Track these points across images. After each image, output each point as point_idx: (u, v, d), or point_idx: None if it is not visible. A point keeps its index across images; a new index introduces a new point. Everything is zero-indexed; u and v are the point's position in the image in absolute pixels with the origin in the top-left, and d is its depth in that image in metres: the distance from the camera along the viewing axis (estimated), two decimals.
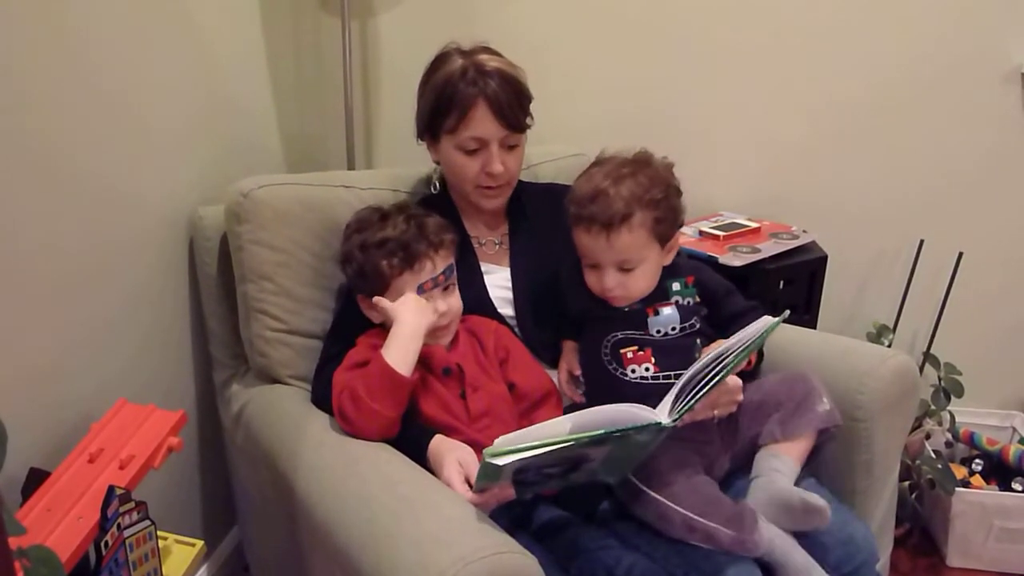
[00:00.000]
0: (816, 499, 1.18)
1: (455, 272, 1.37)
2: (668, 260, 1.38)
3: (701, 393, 1.10)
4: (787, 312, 1.22)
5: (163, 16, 1.47)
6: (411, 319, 1.26)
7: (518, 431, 1.05)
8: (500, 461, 1.00)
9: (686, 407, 1.09)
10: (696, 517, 1.17)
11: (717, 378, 1.11)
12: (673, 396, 1.11)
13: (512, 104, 1.43)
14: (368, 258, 1.32)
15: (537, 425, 1.06)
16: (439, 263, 1.32)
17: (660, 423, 1.08)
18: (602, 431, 1.04)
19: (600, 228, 1.29)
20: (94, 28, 1.28)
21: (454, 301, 1.36)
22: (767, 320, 1.18)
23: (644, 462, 1.21)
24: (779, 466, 1.27)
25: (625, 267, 1.33)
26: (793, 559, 1.17)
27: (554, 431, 1.04)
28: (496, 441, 1.03)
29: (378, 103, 2.24)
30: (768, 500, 1.21)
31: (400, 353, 1.23)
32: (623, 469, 1.21)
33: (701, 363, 1.13)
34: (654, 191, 1.30)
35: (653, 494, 1.20)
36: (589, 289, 1.38)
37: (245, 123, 1.82)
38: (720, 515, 1.17)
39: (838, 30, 2.04)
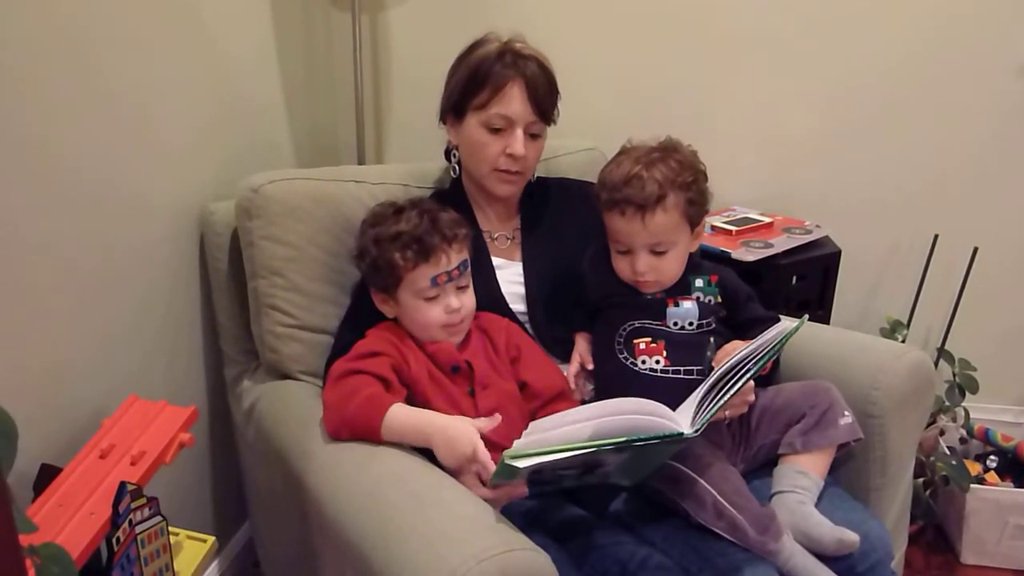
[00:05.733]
0: (849, 536, 1.18)
1: (469, 269, 1.36)
2: (695, 246, 1.41)
3: (722, 402, 1.09)
4: (806, 317, 1.22)
5: (172, 14, 1.46)
6: (444, 446, 1.17)
7: (538, 434, 1.04)
8: (520, 464, 0.99)
9: (708, 417, 1.08)
10: (726, 504, 1.17)
11: (738, 386, 1.10)
12: (695, 406, 1.10)
13: (546, 92, 1.45)
14: (382, 252, 1.32)
15: (557, 429, 1.05)
16: (453, 257, 1.32)
17: (682, 434, 1.07)
18: (623, 439, 1.03)
19: (636, 210, 1.31)
20: (104, 29, 1.27)
21: (467, 299, 1.36)
22: (786, 325, 1.18)
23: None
24: (805, 483, 1.26)
25: (658, 250, 1.35)
26: None
27: (574, 436, 1.04)
28: (516, 443, 1.03)
29: (388, 98, 2.23)
30: (794, 526, 1.20)
31: (402, 431, 1.19)
32: (638, 474, 1.21)
33: (721, 371, 1.12)
34: (685, 174, 1.33)
35: (690, 472, 1.20)
36: (615, 276, 1.40)
37: (256, 119, 1.82)
38: (749, 511, 1.17)
39: (850, 23, 2.02)
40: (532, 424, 1.12)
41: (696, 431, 1.07)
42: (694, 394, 1.13)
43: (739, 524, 1.16)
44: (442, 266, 1.30)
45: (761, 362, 1.12)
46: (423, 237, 1.30)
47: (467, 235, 1.36)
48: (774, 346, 1.14)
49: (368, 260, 1.35)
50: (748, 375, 1.11)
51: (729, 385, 1.10)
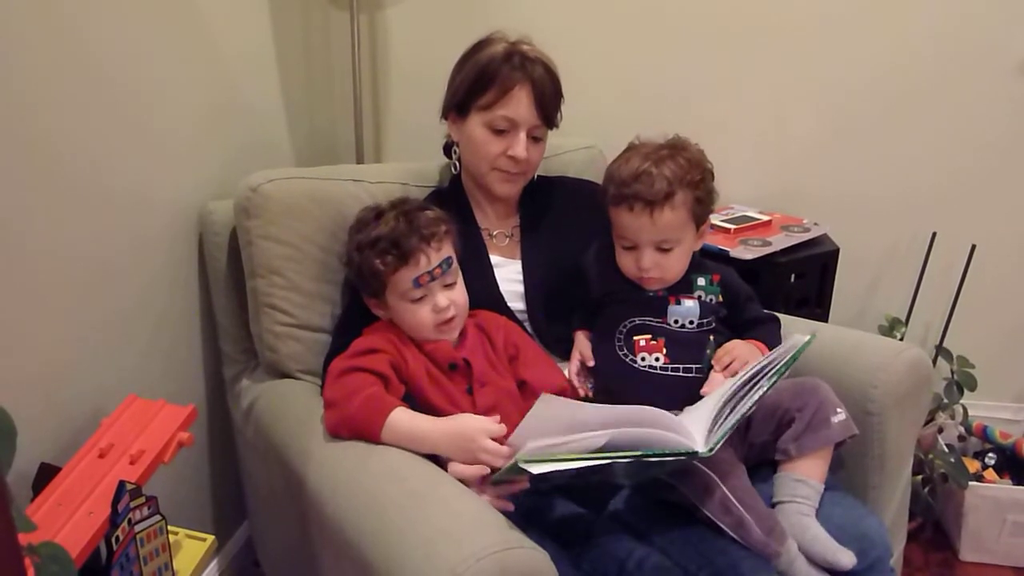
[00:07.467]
0: (843, 560, 1.16)
1: (454, 265, 1.35)
2: (699, 245, 1.42)
3: (735, 419, 1.09)
4: (815, 334, 1.21)
5: (171, 13, 1.46)
6: (456, 450, 1.18)
7: (552, 440, 1.04)
8: (534, 469, 0.99)
9: (722, 435, 1.08)
10: (735, 501, 1.16)
11: (751, 403, 1.10)
12: (708, 424, 1.10)
13: (551, 97, 1.45)
14: (364, 258, 1.32)
15: (572, 436, 1.05)
16: (433, 256, 1.31)
17: (696, 452, 1.06)
18: (638, 452, 1.03)
19: (644, 206, 1.31)
20: (102, 28, 1.27)
21: (456, 295, 1.35)
22: (797, 340, 1.18)
23: None
24: (804, 492, 1.24)
25: (663, 247, 1.35)
26: None
27: (588, 446, 1.03)
28: (528, 447, 1.03)
29: (387, 97, 2.23)
30: (793, 537, 1.19)
31: (401, 440, 1.19)
32: (642, 477, 1.21)
33: (734, 387, 1.12)
34: (693, 172, 1.33)
35: (701, 466, 1.19)
36: (617, 272, 1.40)
37: (254, 118, 1.82)
38: (756, 510, 1.17)
39: (849, 23, 2.02)
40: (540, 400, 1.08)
41: (710, 450, 1.07)
42: (707, 409, 1.13)
43: (745, 522, 1.15)
44: (422, 267, 1.30)
45: (774, 379, 1.12)
46: (400, 240, 1.30)
47: (448, 231, 1.35)
48: (786, 362, 1.13)
49: (354, 267, 1.36)
50: (761, 392, 1.11)
51: (742, 402, 1.10)
